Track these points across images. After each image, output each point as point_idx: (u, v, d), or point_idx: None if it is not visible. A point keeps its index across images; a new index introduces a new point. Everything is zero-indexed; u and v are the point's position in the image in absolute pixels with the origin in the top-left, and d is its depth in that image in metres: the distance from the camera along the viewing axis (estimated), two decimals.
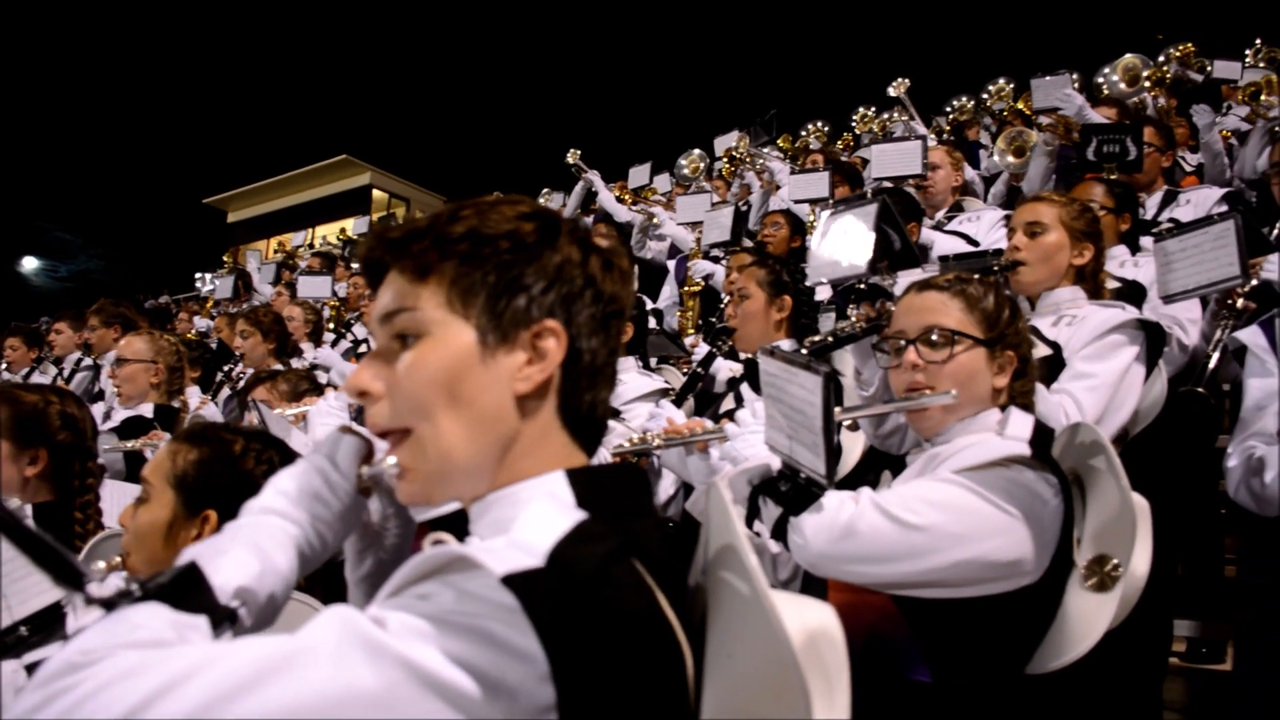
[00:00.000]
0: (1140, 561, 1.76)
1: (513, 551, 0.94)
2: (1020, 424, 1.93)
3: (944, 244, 4.76)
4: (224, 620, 1.06)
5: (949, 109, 10.20)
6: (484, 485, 1.14)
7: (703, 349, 4.06)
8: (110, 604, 1.00)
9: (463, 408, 1.10)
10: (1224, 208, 4.54)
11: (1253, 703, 2.49)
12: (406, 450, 1.13)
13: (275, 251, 15.76)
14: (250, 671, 0.83)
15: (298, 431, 2.54)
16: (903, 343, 2.07)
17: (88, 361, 6.45)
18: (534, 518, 1.04)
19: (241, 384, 4.70)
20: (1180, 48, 8.28)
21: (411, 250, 1.12)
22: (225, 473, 1.88)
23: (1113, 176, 4.56)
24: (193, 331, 9.40)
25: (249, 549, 1.13)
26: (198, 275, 13.38)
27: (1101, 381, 2.56)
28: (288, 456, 1.95)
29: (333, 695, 0.83)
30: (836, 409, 1.96)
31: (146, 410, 4.09)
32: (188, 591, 1.04)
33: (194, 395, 4.90)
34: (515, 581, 0.89)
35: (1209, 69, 7.90)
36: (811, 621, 0.97)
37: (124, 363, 4.15)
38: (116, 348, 4.51)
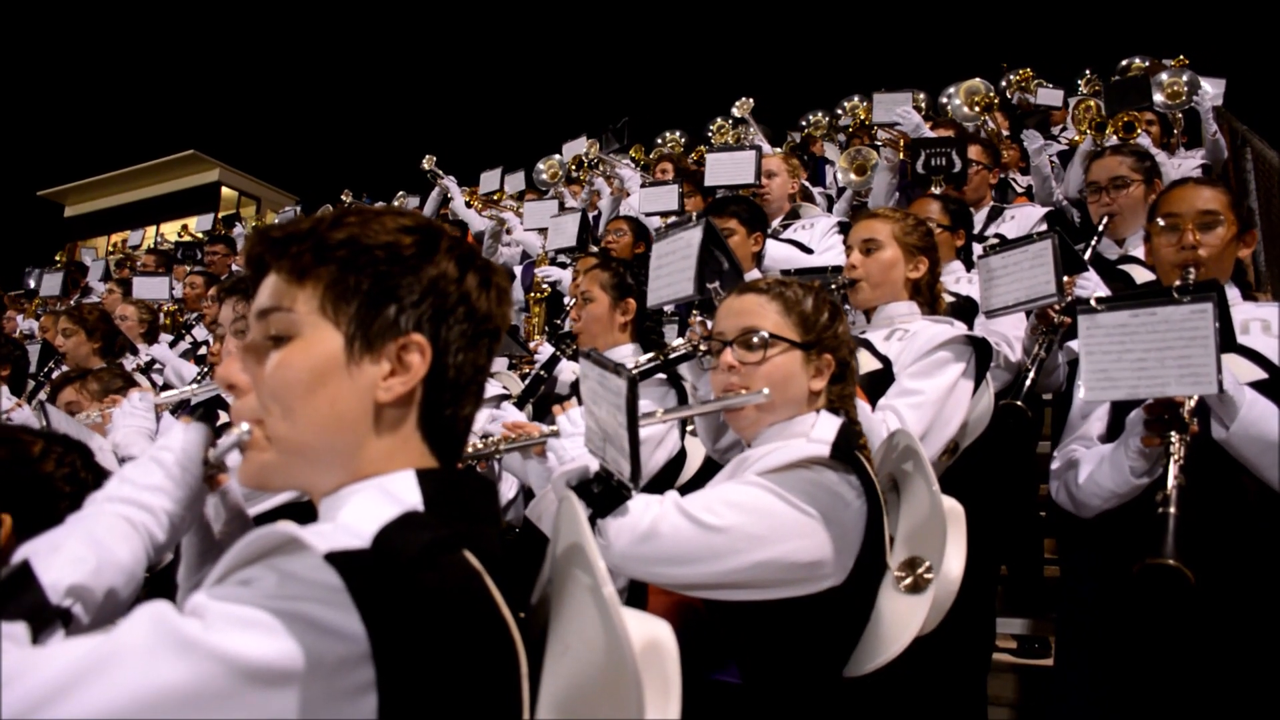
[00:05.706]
0: (953, 564, 1.78)
1: (339, 534, 0.96)
2: (826, 426, 1.95)
3: (778, 252, 4.79)
4: (54, 620, 1.03)
5: (804, 123, 10.45)
6: (331, 482, 1.15)
7: (545, 350, 4.04)
8: None
9: (321, 408, 1.12)
10: (1044, 226, 4.80)
11: (1071, 694, 2.60)
12: (260, 431, 1.16)
13: (114, 249, 14.97)
14: (62, 680, 0.81)
15: (97, 437, 2.40)
16: (720, 344, 2.07)
17: None
18: (362, 505, 1.08)
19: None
20: (1019, 73, 8.72)
21: (290, 252, 1.15)
22: (21, 475, 1.74)
23: (940, 190, 4.73)
24: (17, 331, 8.83)
25: (85, 543, 1.12)
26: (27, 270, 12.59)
27: (927, 399, 2.57)
28: (90, 460, 1.86)
29: (146, 695, 0.82)
30: (658, 411, 2.01)
31: None
32: (16, 594, 1.02)
33: (3, 396, 4.63)
34: (338, 560, 0.91)
35: (1035, 96, 8.32)
36: (656, 632, 1.03)
37: None
38: None
